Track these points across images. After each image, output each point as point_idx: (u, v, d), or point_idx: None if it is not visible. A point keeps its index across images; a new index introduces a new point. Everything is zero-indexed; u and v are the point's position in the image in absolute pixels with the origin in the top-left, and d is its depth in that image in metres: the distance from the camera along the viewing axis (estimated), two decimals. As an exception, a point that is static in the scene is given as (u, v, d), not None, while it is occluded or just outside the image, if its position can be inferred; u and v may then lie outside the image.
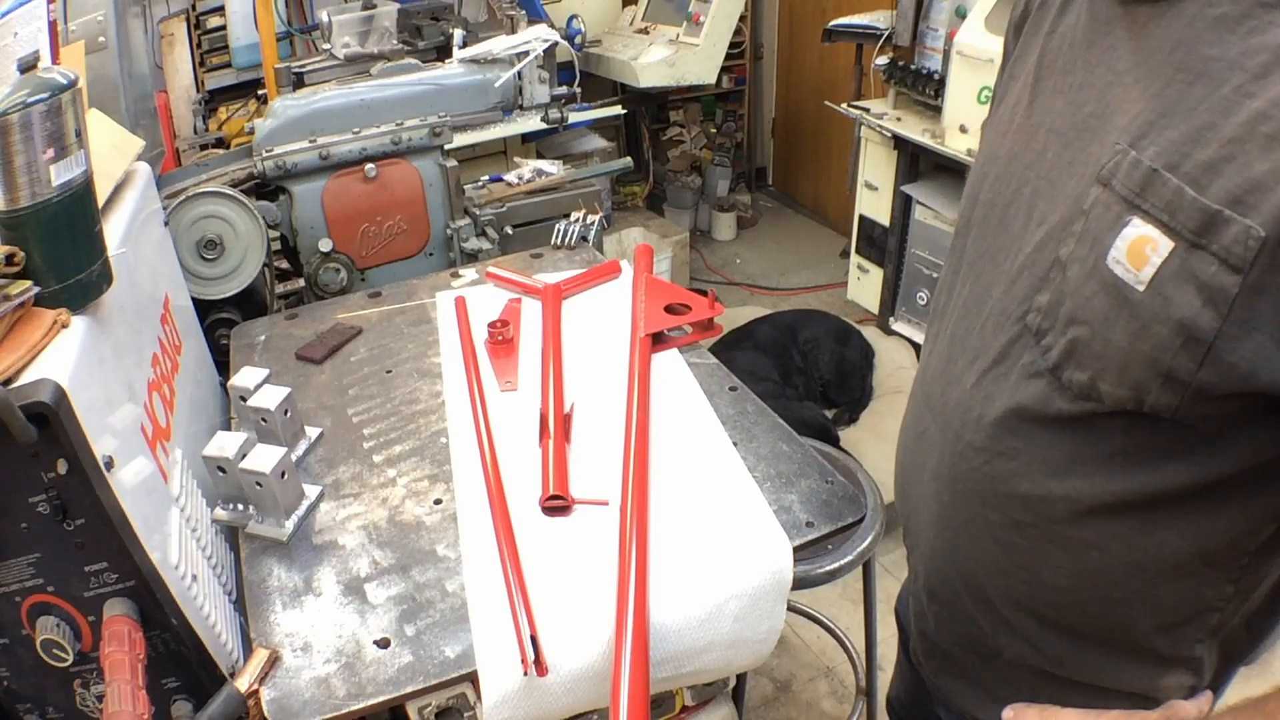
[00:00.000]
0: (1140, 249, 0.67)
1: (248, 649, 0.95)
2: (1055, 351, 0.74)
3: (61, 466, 0.82)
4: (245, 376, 1.19)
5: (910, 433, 0.98)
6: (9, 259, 0.86)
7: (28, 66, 0.87)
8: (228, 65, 3.12)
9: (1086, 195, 0.72)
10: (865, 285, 3.52)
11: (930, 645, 1.02)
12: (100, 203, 0.98)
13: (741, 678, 1.22)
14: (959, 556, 0.90)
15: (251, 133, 1.96)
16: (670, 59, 3.47)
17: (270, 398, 1.15)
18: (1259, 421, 0.68)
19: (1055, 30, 0.84)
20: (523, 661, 0.87)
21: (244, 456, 1.03)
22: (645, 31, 3.72)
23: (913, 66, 2.99)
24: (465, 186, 1.97)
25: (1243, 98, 0.62)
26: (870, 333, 3.21)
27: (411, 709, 0.92)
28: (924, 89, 2.92)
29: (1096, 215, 0.71)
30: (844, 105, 3.31)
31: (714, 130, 4.74)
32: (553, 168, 2.12)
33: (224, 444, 1.04)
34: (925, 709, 1.15)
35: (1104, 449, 0.75)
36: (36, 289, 0.87)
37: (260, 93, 2.86)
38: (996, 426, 0.81)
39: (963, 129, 2.70)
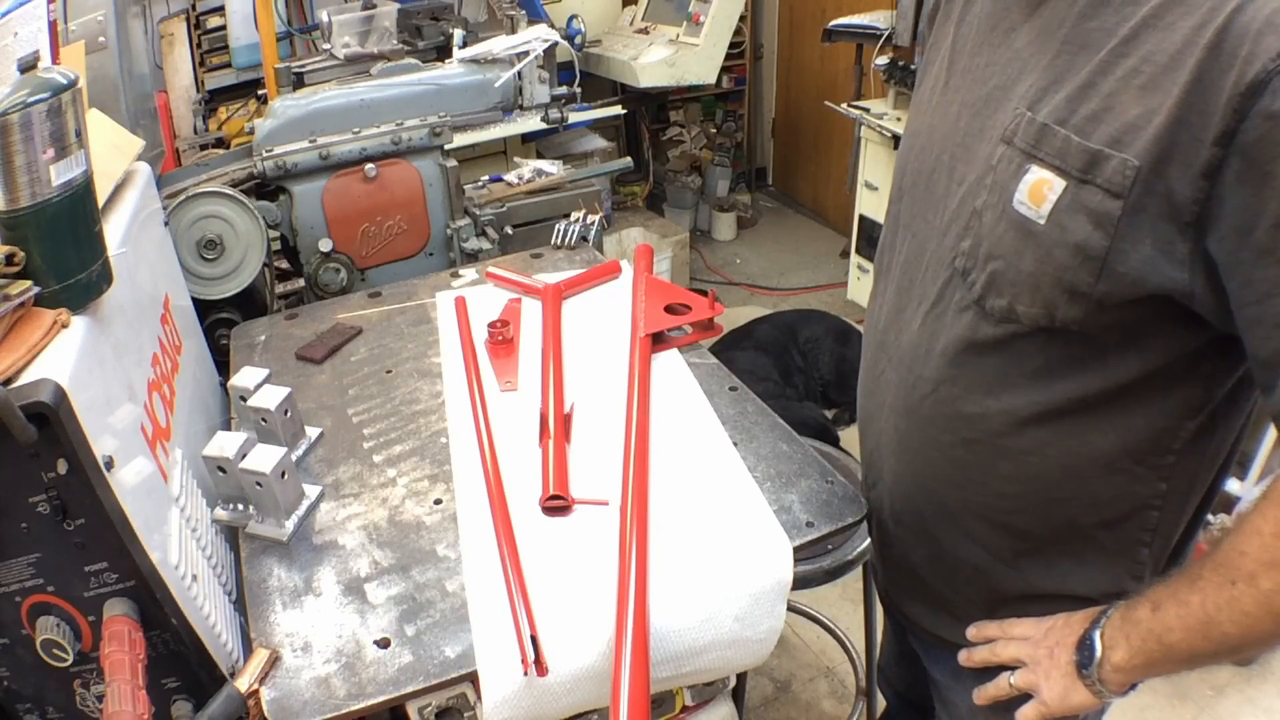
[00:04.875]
0: (1039, 190, 0.80)
1: (248, 649, 0.95)
2: (978, 285, 0.86)
3: (61, 466, 0.82)
4: (245, 376, 1.19)
5: (869, 377, 1.08)
6: (9, 259, 0.86)
7: (28, 66, 0.87)
8: (228, 65, 3.12)
9: (994, 154, 0.85)
10: (865, 285, 3.52)
11: (897, 571, 1.11)
12: (100, 203, 0.98)
13: (741, 678, 1.22)
14: (919, 477, 1.00)
15: (251, 133, 1.96)
16: (670, 59, 3.47)
17: (270, 398, 1.15)
18: (1157, 327, 0.79)
19: (964, 19, 0.96)
20: (523, 661, 0.87)
21: (244, 456, 1.03)
22: (645, 31, 3.72)
23: (913, 66, 2.99)
24: (465, 186, 1.97)
25: (1117, 58, 0.75)
26: (870, 333, 3.21)
27: (411, 709, 0.92)
28: (924, 89, 2.92)
29: (1002, 168, 0.84)
30: (844, 105, 3.32)
31: (714, 130, 4.74)
32: (553, 168, 2.12)
33: (224, 444, 1.04)
34: (910, 670, 1.22)
35: (1027, 366, 0.86)
36: (36, 289, 0.87)
37: (260, 93, 2.86)
38: (941, 358, 0.92)
39: (963, 129, 2.69)
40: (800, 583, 1.17)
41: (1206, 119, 0.69)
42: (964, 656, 1.00)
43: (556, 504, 1.06)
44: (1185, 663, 0.81)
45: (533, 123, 2.52)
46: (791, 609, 1.52)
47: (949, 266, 0.91)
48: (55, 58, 1.31)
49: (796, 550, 1.00)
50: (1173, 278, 0.75)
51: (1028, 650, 0.92)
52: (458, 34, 2.53)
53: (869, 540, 1.55)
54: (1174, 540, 0.93)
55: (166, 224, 1.44)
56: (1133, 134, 0.73)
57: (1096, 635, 0.85)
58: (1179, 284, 0.75)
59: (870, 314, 1.11)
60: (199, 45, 3.09)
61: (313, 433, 1.23)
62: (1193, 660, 0.80)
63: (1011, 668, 0.94)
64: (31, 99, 0.82)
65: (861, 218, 3.42)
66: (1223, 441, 0.89)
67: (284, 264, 1.91)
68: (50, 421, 0.79)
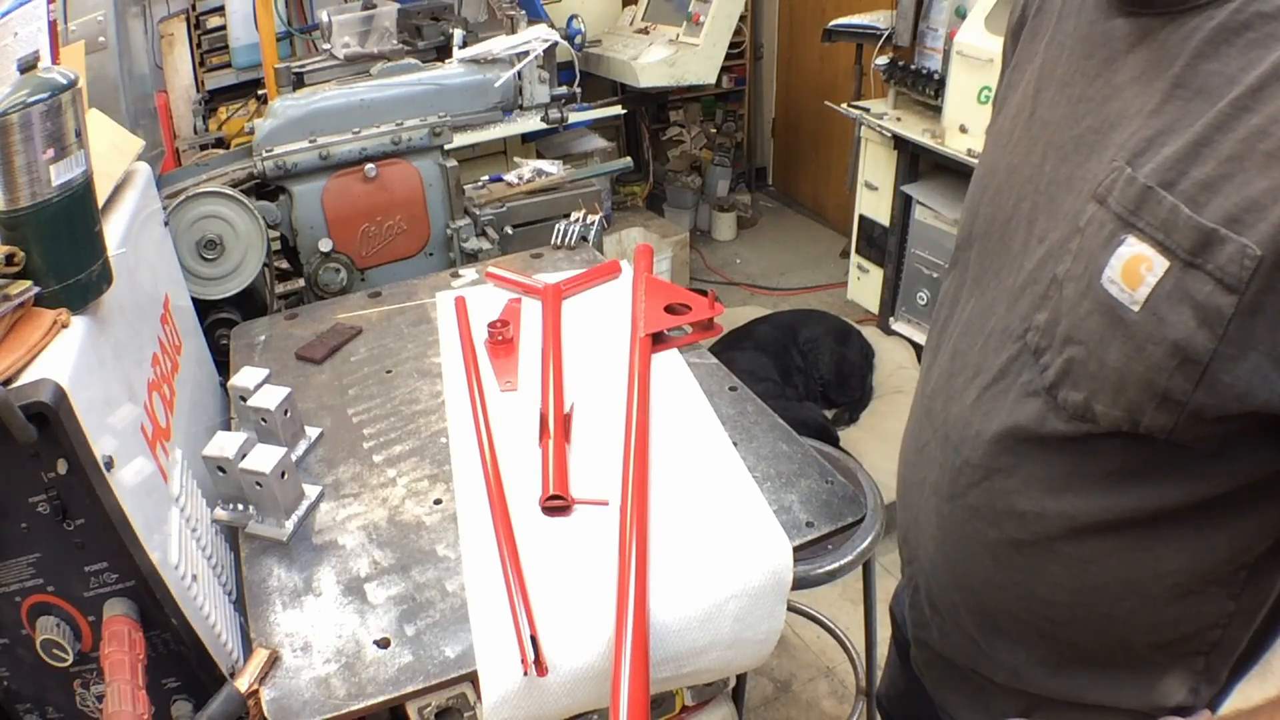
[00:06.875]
0: (1135, 268, 0.65)
1: (248, 649, 0.95)
2: (1052, 371, 0.73)
3: (61, 466, 0.82)
4: (245, 376, 1.19)
5: (912, 445, 0.97)
6: (9, 259, 0.86)
7: (28, 66, 0.87)
8: (228, 65, 3.12)
9: (1083, 212, 0.71)
10: (865, 285, 3.52)
11: (932, 655, 1.02)
12: (100, 203, 0.98)
13: (741, 678, 1.22)
14: (958, 571, 0.90)
15: (251, 133, 1.96)
16: (670, 59, 3.47)
17: (270, 398, 1.15)
18: (1255, 440, 0.67)
19: (1054, 39, 0.82)
20: (523, 661, 0.87)
21: (244, 456, 1.03)
22: (645, 31, 3.72)
23: (913, 66, 2.99)
24: (465, 186, 1.97)
25: (1240, 113, 0.61)
26: (870, 333, 3.22)
27: (411, 709, 0.92)
28: (924, 89, 2.92)
29: (1091, 233, 0.69)
30: (844, 105, 3.31)
31: (714, 130, 4.74)
32: (553, 168, 2.12)
33: (224, 444, 1.04)
34: (913, 706, 1.15)
35: (1100, 468, 0.74)
36: (36, 289, 0.87)
37: (260, 93, 2.86)
38: (994, 444, 0.80)
39: (963, 129, 2.69)
40: (800, 583, 1.18)
41: None
42: None
43: (556, 504, 1.06)
44: None
45: (533, 123, 2.52)
46: (791, 609, 1.52)
47: (1019, 339, 0.78)
48: (55, 58, 1.31)
49: (796, 550, 1.00)
50: None
51: None
52: (458, 34, 2.53)
53: (869, 540, 1.55)
54: (1238, 652, 0.82)
55: (166, 224, 1.44)
56: (1255, 214, 0.59)
57: None
58: None
59: (923, 372, 0.99)
60: (199, 45, 3.09)
61: (313, 433, 1.23)
62: None
63: None
64: (31, 99, 0.82)
65: (861, 218, 3.42)
66: None
67: (284, 264, 1.91)
68: (50, 421, 0.79)
